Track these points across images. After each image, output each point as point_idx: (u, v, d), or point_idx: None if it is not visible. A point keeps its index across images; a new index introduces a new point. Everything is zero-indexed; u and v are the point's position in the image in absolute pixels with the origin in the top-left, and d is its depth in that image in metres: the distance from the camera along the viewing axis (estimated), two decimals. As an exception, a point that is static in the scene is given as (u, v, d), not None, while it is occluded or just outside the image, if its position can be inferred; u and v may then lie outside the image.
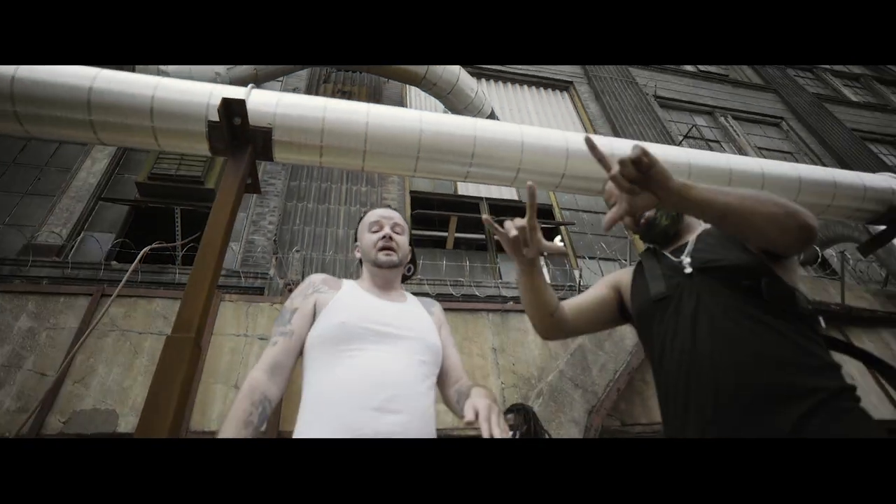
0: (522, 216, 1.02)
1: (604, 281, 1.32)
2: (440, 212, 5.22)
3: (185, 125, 2.59)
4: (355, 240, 1.45)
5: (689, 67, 9.79)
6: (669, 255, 1.16)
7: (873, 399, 3.86)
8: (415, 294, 1.45)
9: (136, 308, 3.25)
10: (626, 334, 3.66)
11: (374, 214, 1.42)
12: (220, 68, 4.42)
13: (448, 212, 5.22)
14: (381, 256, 1.32)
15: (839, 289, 4.39)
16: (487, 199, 5.53)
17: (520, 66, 7.73)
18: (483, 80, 7.45)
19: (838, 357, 1.00)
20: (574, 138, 3.12)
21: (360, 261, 1.41)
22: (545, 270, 5.19)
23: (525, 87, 7.72)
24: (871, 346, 4.22)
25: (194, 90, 2.64)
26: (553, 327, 1.20)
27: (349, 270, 4.10)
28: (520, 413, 2.81)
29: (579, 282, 4.53)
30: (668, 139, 6.93)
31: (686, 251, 1.12)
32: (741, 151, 7.64)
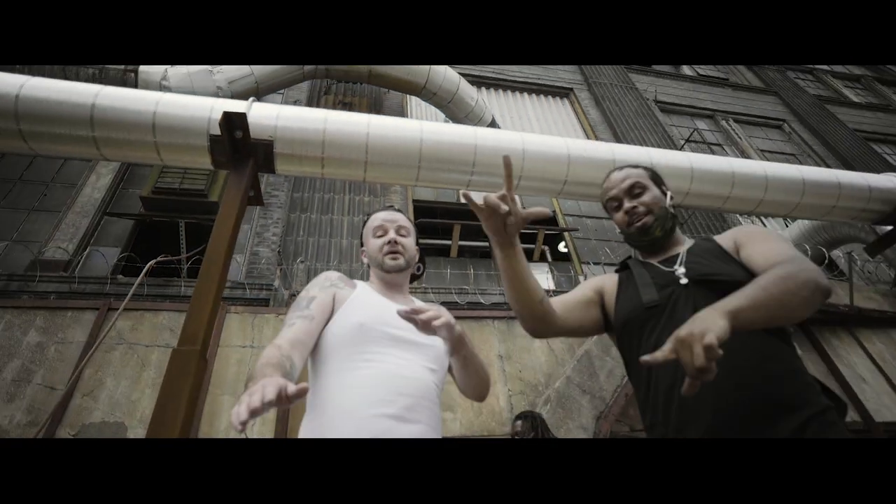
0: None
1: (587, 284, 1.30)
2: (443, 220, 5.23)
3: (188, 139, 2.62)
4: (361, 244, 1.42)
5: (688, 72, 9.82)
6: (659, 265, 1.17)
7: (886, 401, 3.80)
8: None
9: (142, 321, 3.27)
10: (633, 339, 3.63)
11: (378, 218, 1.38)
12: (222, 82, 4.47)
13: (451, 220, 5.23)
14: (388, 261, 1.29)
15: (847, 290, 4.35)
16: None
17: (519, 74, 7.77)
18: (483, 88, 7.49)
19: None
20: (575, 145, 3.13)
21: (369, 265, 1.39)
22: (549, 277, 5.18)
23: (525, 94, 7.76)
24: (882, 347, 4.18)
25: (195, 104, 2.67)
26: (542, 318, 1.13)
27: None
28: (527, 420, 2.79)
29: (584, 287, 4.50)
30: (670, 143, 6.94)
31: (679, 262, 1.14)
32: (744, 154, 7.63)
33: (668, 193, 1.27)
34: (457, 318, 1.06)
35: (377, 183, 4.62)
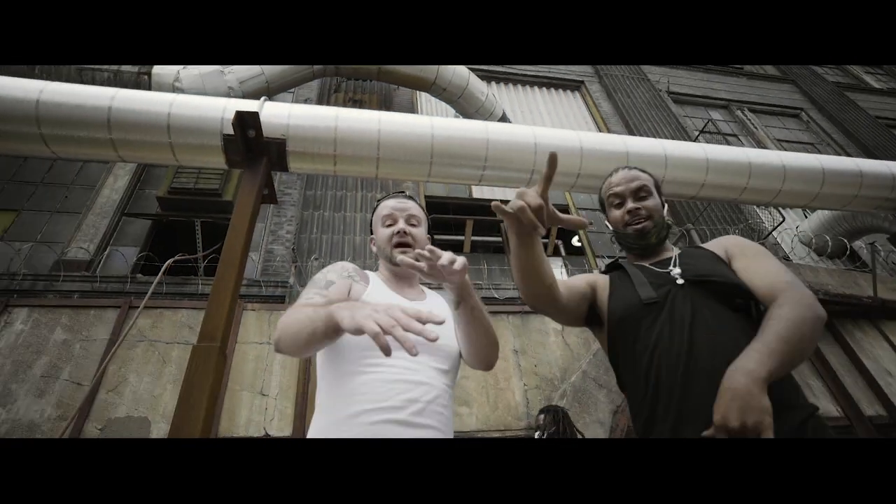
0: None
1: (582, 277, 1.32)
2: (456, 216, 5.23)
3: (202, 139, 2.65)
4: (371, 232, 1.34)
5: (703, 61, 9.64)
6: (652, 267, 1.20)
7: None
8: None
9: (162, 319, 3.34)
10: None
11: (387, 206, 1.29)
12: (233, 82, 4.52)
13: (464, 216, 5.23)
14: (397, 254, 1.18)
15: (871, 281, 4.24)
16: (503, 201, 5.51)
17: (529, 68, 7.71)
18: (493, 82, 7.45)
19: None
20: (587, 138, 3.11)
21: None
22: (563, 271, 5.15)
23: (535, 88, 7.70)
24: (906, 339, 4.07)
25: (208, 105, 2.71)
26: (549, 298, 1.14)
27: (367, 277, 4.13)
28: (549, 413, 2.80)
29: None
30: (684, 135, 6.83)
31: (674, 263, 1.18)
32: (760, 144, 7.48)
33: (666, 206, 1.33)
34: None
35: (389, 179, 4.64)
